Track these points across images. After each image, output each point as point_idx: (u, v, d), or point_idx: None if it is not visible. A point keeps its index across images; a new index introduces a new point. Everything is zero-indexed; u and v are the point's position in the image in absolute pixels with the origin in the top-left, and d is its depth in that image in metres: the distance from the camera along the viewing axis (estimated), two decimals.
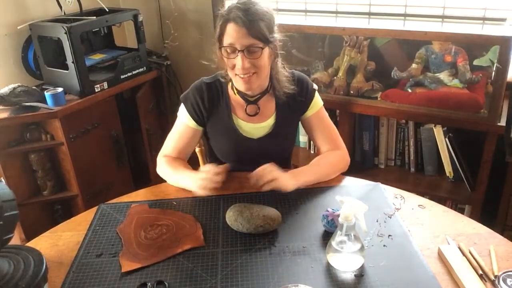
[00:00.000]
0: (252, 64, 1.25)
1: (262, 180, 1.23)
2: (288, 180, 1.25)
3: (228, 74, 1.37)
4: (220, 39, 1.27)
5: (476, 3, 1.86)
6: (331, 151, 1.42)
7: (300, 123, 1.49)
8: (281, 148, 1.47)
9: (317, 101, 1.44)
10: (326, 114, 1.46)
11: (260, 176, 1.24)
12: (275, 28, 1.30)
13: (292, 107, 1.41)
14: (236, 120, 1.40)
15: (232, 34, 1.23)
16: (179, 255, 1.07)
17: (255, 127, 1.41)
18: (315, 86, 1.45)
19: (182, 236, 1.12)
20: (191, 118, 1.40)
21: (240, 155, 1.43)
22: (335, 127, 1.46)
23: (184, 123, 1.42)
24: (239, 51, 1.23)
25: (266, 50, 1.27)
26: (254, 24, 1.21)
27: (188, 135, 1.42)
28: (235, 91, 1.39)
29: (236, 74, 1.29)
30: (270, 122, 1.41)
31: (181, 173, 1.34)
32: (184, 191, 1.33)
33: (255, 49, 1.24)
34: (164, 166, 1.39)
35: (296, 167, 1.42)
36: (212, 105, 1.40)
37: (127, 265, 1.04)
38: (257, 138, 1.41)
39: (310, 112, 1.43)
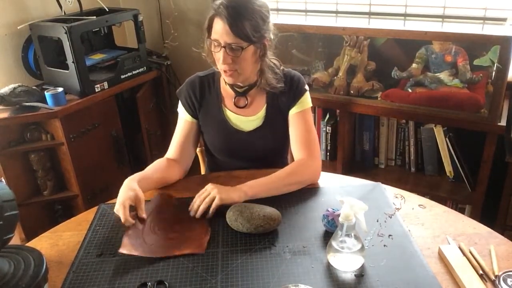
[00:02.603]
0: (234, 61, 1.26)
1: (198, 203, 1.19)
2: (229, 193, 1.20)
3: None
4: (208, 31, 1.28)
5: (476, 3, 1.86)
6: (298, 161, 1.35)
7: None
8: (272, 142, 1.45)
9: (306, 100, 1.41)
10: (311, 118, 1.42)
11: (195, 203, 1.20)
12: (269, 26, 1.30)
13: (282, 102, 1.41)
14: (226, 112, 1.41)
15: (217, 29, 1.24)
16: (179, 254, 1.07)
17: (246, 120, 1.41)
18: (307, 87, 1.44)
19: (187, 240, 1.12)
20: (186, 111, 1.43)
21: (231, 149, 1.44)
22: (316, 135, 1.41)
23: (182, 118, 1.44)
24: (222, 46, 1.25)
25: (250, 49, 1.27)
26: (238, 24, 1.22)
27: (186, 129, 1.43)
28: (226, 82, 1.39)
29: (220, 68, 1.31)
30: (260, 115, 1.41)
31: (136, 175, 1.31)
32: (184, 191, 1.33)
33: (236, 47, 1.25)
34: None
35: None
36: (203, 96, 1.42)
37: (126, 248, 1.06)
38: (248, 131, 1.41)
39: (295, 109, 1.39)
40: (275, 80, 1.37)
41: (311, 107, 1.43)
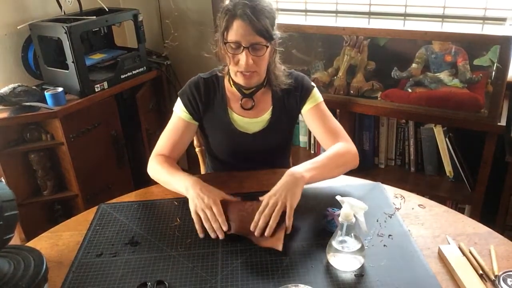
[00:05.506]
0: (255, 62, 1.25)
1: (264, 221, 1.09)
2: (295, 192, 1.12)
3: (224, 69, 1.39)
4: (225, 34, 1.25)
5: (476, 3, 1.86)
6: (337, 145, 1.32)
7: (300, 120, 1.48)
8: (276, 144, 1.46)
9: (316, 96, 1.41)
10: (327, 109, 1.42)
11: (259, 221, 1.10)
12: (276, 24, 1.31)
13: (288, 103, 1.41)
14: (232, 115, 1.40)
15: (238, 30, 1.22)
16: (179, 254, 1.07)
17: (251, 122, 1.41)
18: (313, 84, 1.44)
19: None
20: (186, 111, 1.39)
21: (235, 150, 1.43)
22: (337, 122, 1.41)
23: (178, 116, 1.40)
24: (244, 47, 1.23)
25: (269, 48, 1.27)
26: (261, 22, 1.21)
27: (181, 129, 1.39)
28: (231, 83, 1.39)
29: (237, 71, 1.29)
30: (266, 117, 1.41)
31: (176, 175, 1.27)
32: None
33: (259, 47, 1.24)
34: (156, 165, 1.33)
35: None
36: (208, 98, 1.40)
37: (276, 243, 1.04)
38: (252, 133, 1.41)
39: (308, 106, 1.40)
40: (285, 76, 1.38)
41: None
